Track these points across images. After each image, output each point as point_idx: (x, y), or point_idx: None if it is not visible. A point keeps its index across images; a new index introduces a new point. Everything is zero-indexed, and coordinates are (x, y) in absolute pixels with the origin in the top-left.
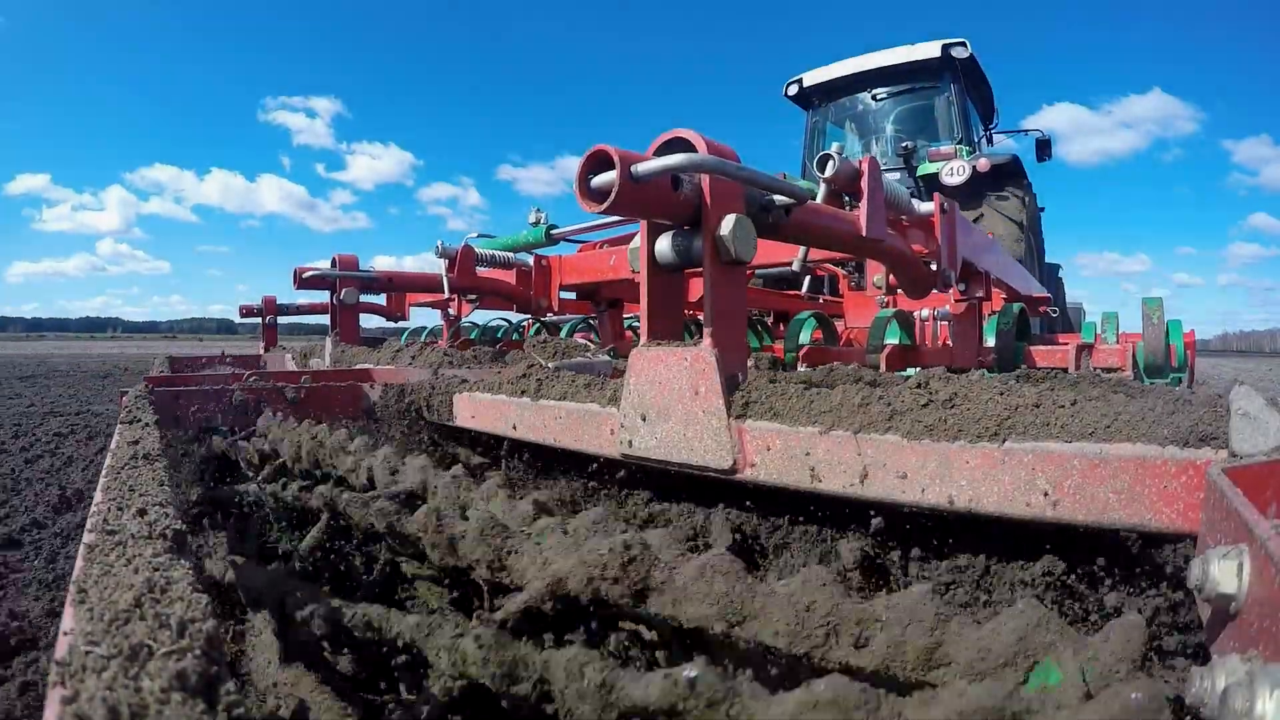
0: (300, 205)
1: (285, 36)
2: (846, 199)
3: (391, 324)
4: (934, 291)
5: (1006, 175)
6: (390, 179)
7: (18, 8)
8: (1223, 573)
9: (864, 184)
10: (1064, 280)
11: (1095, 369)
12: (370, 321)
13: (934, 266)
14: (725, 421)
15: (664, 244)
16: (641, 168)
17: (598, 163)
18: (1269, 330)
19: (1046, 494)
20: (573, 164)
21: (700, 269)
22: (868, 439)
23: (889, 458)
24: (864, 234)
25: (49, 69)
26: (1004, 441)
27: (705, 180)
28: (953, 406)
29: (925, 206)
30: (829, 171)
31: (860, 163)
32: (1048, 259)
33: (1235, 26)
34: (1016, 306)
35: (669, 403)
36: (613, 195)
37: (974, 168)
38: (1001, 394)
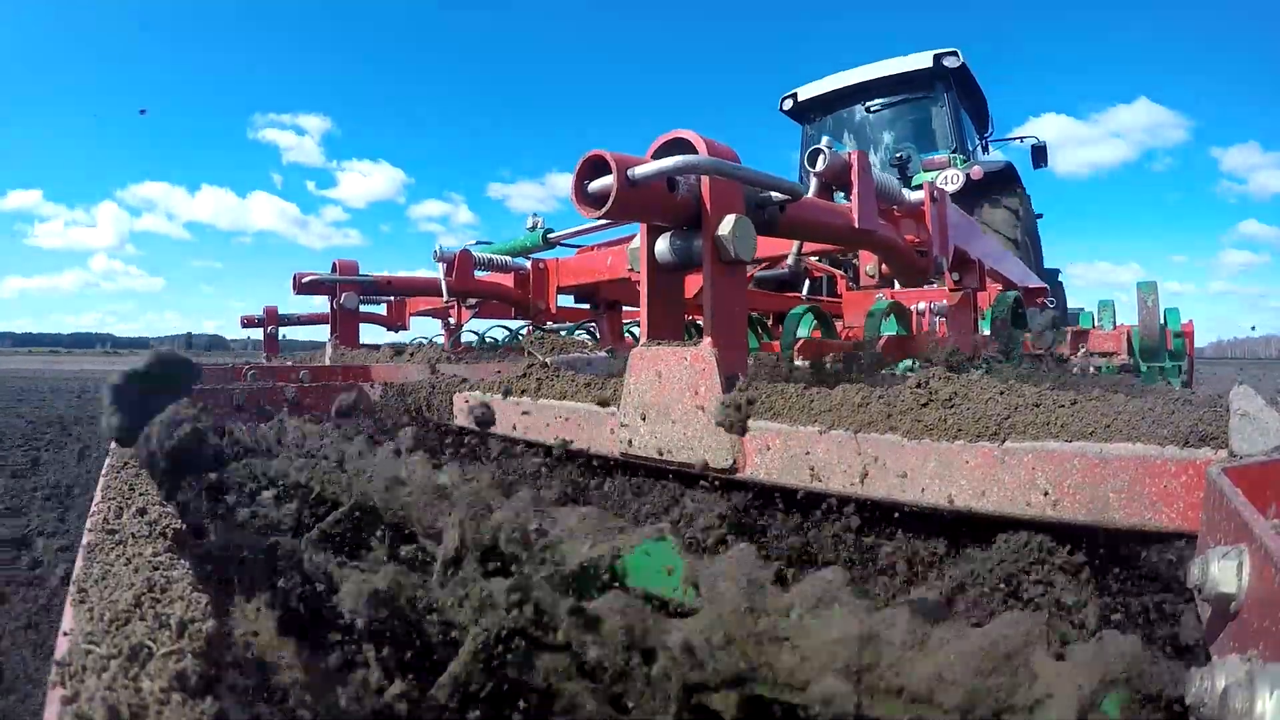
0: (292, 222)
1: (271, 54)
2: (842, 194)
3: (392, 333)
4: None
5: (1002, 182)
6: (381, 196)
7: (6, 26)
8: (1223, 573)
9: (854, 176)
10: (1063, 285)
11: (1090, 353)
12: (370, 333)
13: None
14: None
15: (663, 245)
16: (638, 171)
17: (594, 168)
18: (1263, 337)
19: (1046, 493)
20: (563, 180)
21: (700, 268)
22: (868, 438)
23: (889, 457)
24: (856, 225)
25: (39, 86)
26: (1004, 441)
27: (705, 181)
28: (952, 406)
29: (915, 195)
30: (819, 166)
31: (849, 155)
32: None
33: (1218, 33)
34: (1011, 295)
35: (669, 402)
36: (610, 200)
37: (968, 175)
38: (1001, 393)
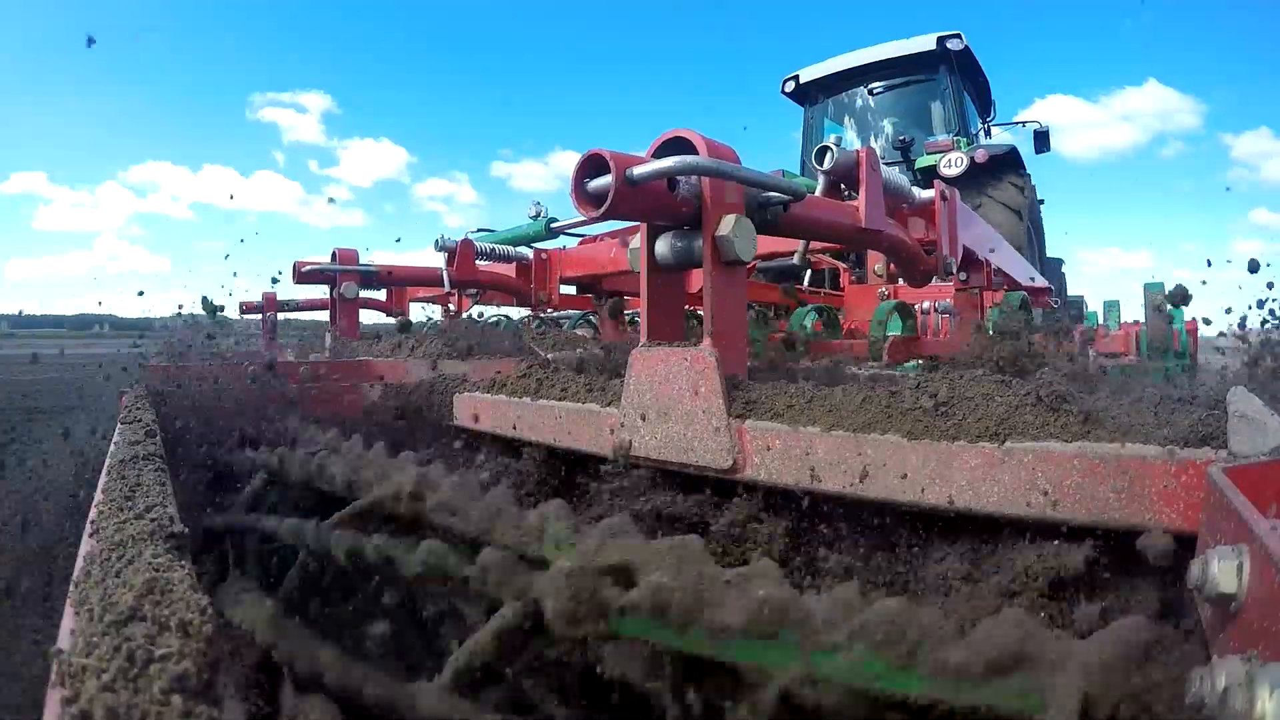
0: (296, 202)
1: (264, 31)
2: (846, 191)
3: (392, 320)
4: (935, 282)
5: (1005, 167)
6: (385, 175)
7: (6, 8)
8: (1223, 573)
9: (862, 174)
10: (1065, 275)
11: (1098, 354)
12: (370, 318)
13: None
14: (725, 421)
15: (664, 245)
16: (637, 171)
17: (593, 166)
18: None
19: (1046, 494)
20: (566, 159)
21: (700, 268)
22: (868, 439)
23: (889, 458)
24: (863, 225)
25: (40, 68)
26: (1004, 441)
27: (705, 181)
28: (953, 406)
29: (925, 194)
30: (827, 163)
31: (858, 153)
32: (1049, 253)
33: (1227, 14)
34: (1019, 295)
35: (669, 403)
36: (609, 200)
37: (972, 159)
38: (1001, 393)
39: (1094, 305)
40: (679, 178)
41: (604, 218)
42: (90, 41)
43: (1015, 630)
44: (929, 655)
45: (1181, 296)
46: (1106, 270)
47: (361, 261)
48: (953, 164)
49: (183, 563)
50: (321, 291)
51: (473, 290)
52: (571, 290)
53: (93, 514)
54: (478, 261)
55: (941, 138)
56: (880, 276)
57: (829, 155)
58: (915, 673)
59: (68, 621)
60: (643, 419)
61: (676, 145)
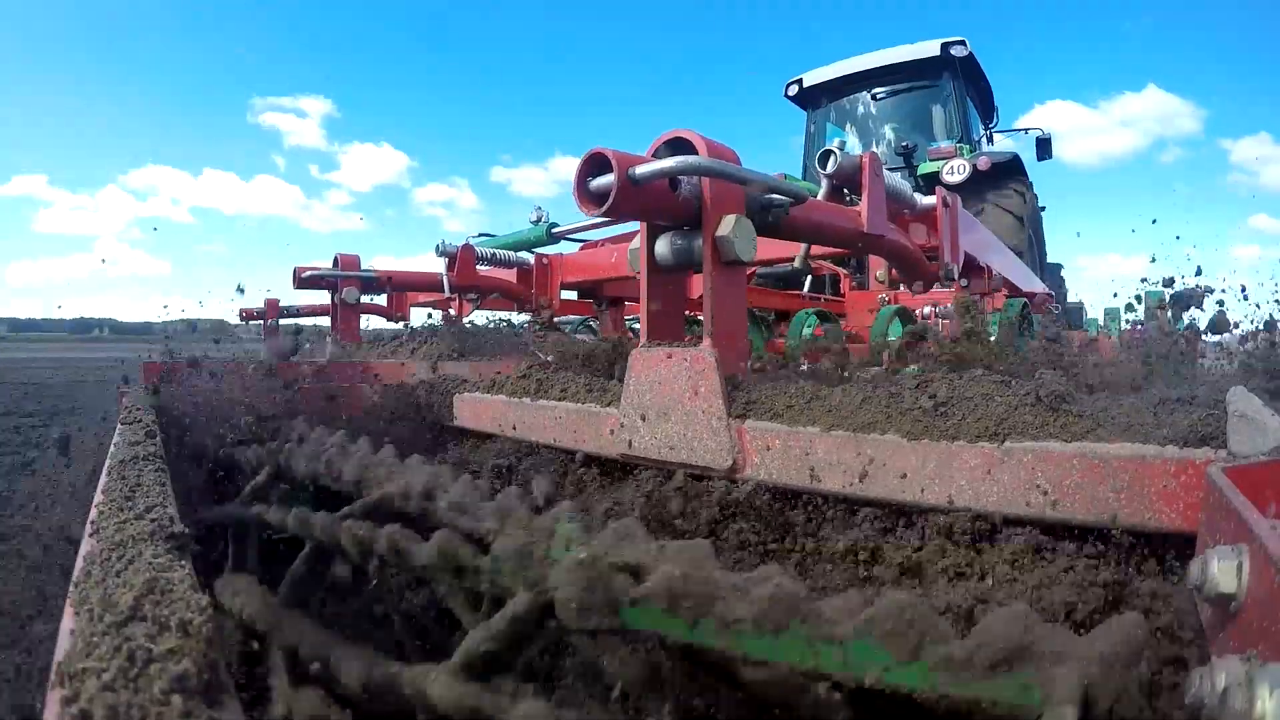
0: (296, 206)
1: (265, 35)
2: (848, 195)
3: (392, 324)
4: (936, 287)
5: (1007, 174)
6: (385, 180)
7: (6, 11)
8: (1222, 572)
9: (865, 179)
10: (1065, 280)
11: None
12: (370, 323)
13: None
14: (725, 421)
15: (664, 245)
16: (639, 171)
17: (596, 165)
18: None
19: (1046, 493)
20: (566, 165)
21: (700, 269)
22: (868, 439)
23: (889, 458)
24: (865, 230)
25: (40, 71)
26: (1003, 441)
27: (705, 181)
28: (952, 406)
29: (928, 200)
30: (830, 167)
31: (861, 158)
32: (1049, 259)
33: (1226, 19)
34: (1020, 302)
35: (669, 403)
36: (611, 198)
37: (974, 166)
38: (1000, 393)
39: (1093, 310)
40: (680, 178)
41: (606, 215)
42: None
43: (1017, 625)
44: (931, 649)
45: (1184, 303)
46: (1106, 275)
47: (362, 268)
48: (955, 171)
49: (183, 562)
50: (323, 297)
51: (473, 295)
52: (573, 295)
53: (93, 514)
54: (479, 267)
55: (944, 144)
56: (883, 283)
57: (832, 159)
58: (916, 667)
59: (68, 621)
60: (643, 419)
61: (677, 145)
